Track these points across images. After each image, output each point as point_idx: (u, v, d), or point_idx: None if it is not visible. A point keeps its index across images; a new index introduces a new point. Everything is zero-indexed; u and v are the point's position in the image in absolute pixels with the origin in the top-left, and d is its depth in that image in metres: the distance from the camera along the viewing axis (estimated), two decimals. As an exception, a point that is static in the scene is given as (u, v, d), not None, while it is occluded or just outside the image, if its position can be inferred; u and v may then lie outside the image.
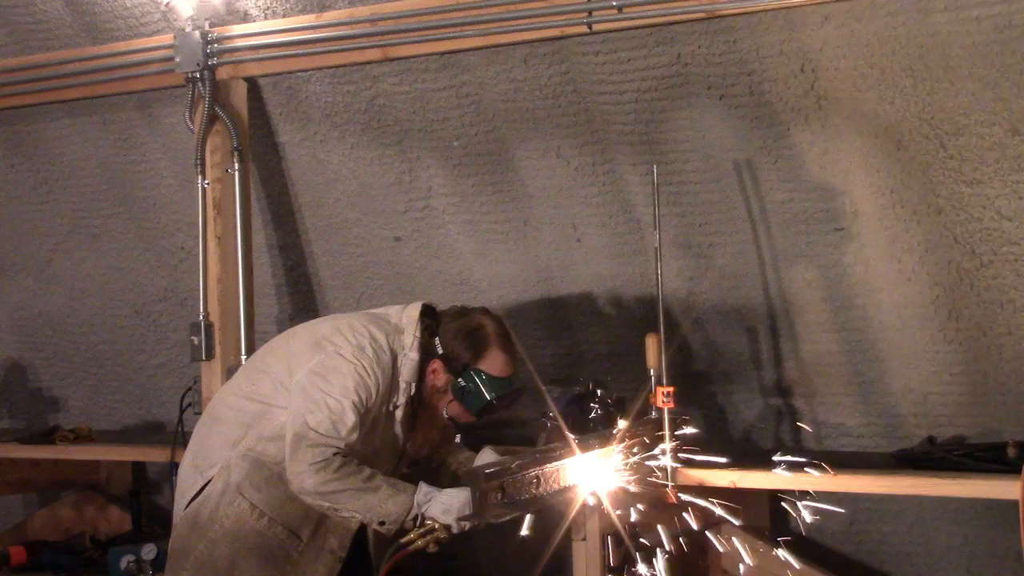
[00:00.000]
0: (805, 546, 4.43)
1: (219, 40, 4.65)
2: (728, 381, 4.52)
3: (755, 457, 4.33)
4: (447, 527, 3.30)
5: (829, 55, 3.81)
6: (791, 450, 4.40)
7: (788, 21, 3.81)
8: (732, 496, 3.98)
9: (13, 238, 5.62)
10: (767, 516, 4.28)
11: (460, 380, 3.55)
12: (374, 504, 3.33)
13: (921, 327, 4.10)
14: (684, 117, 4.13)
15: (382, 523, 3.36)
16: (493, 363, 3.56)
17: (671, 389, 3.79)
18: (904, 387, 4.22)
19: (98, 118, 5.12)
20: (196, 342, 4.70)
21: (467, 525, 3.30)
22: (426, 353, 3.57)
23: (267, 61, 4.63)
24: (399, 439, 3.61)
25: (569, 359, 4.76)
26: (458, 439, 3.89)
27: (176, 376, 5.39)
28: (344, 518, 3.45)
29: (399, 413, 3.56)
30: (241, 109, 4.75)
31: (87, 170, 5.30)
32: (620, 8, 3.95)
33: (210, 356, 4.69)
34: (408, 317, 3.60)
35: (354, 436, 3.39)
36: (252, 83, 4.75)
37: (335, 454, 3.34)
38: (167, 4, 4.69)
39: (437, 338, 3.58)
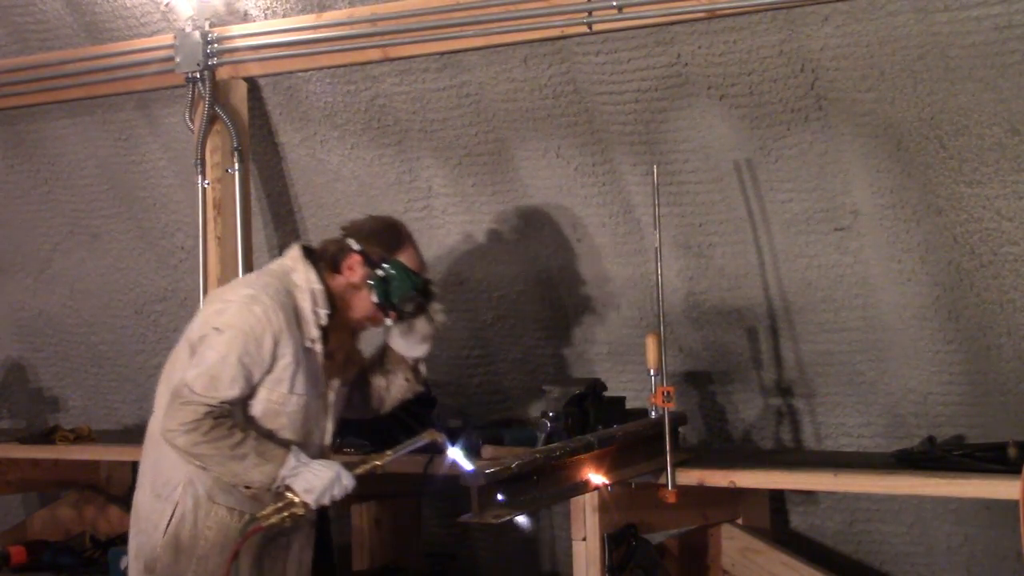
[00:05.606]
0: (805, 546, 4.43)
1: (219, 40, 4.65)
2: (728, 381, 4.52)
3: (755, 457, 4.34)
4: (305, 504, 3.33)
5: (829, 55, 3.81)
6: (792, 450, 4.43)
7: (788, 21, 3.80)
8: (732, 496, 3.99)
9: (13, 238, 5.62)
10: (767, 516, 4.28)
11: (379, 271, 3.53)
12: (239, 472, 3.34)
13: (921, 327, 4.10)
14: (684, 117, 4.13)
15: (247, 487, 3.40)
16: (411, 258, 3.57)
17: (671, 389, 3.79)
18: (904, 387, 4.22)
19: (98, 118, 5.12)
20: (196, 342, 4.70)
21: (328, 501, 3.34)
22: (328, 271, 3.53)
23: (267, 61, 4.63)
24: (323, 379, 3.55)
25: (569, 359, 4.76)
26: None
27: (176, 376, 5.39)
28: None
29: (317, 347, 3.51)
30: (241, 109, 4.75)
31: (87, 170, 5.30)
32: (620, 8, 3.95)
33: (210, 356, 4.68)
34: (291, 257, 3.58)
35: (232, 393, 3.34)
36: (252, 83, 4.75)
37: (207, 414, 3.31)
38: (167, 4, 4.69)
39: (350, 239, 3.57)
